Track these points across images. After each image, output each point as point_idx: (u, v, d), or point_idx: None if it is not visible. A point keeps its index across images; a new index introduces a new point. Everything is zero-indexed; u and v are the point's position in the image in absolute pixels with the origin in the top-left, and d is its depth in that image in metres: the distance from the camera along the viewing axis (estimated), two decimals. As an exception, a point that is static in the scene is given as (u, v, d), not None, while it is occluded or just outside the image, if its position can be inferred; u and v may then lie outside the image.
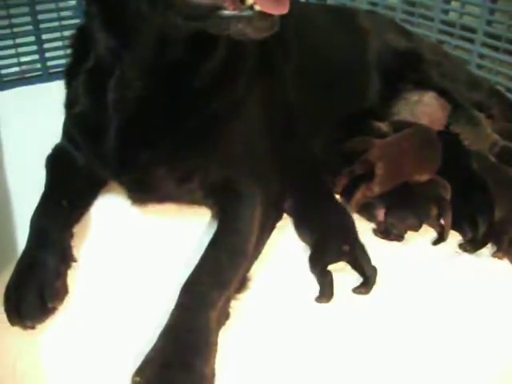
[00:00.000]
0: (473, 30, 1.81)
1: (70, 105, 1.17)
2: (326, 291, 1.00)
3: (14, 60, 2.06)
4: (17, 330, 0.91)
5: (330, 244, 1.07)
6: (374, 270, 1.04)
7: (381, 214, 1.17)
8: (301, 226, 1.18)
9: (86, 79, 1.11)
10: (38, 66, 2.09)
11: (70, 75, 1.18)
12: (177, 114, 1.06)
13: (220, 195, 1.14)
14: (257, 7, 0.82)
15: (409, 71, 1.53)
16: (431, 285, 1.07)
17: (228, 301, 0.95)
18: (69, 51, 1.21)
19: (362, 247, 1.08)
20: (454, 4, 1.92)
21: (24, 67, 2.09)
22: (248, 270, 1.04)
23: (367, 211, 1.22)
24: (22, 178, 1.37)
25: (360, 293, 1.02)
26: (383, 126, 1.41)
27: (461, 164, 1.33)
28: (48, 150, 1.28)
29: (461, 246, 1.16)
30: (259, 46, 1.15)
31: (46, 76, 2.07)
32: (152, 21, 0.95)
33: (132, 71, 1.02)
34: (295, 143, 1.31)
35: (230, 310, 0.95)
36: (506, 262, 1.13)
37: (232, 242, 1.04)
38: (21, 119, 1.75)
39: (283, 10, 0.82)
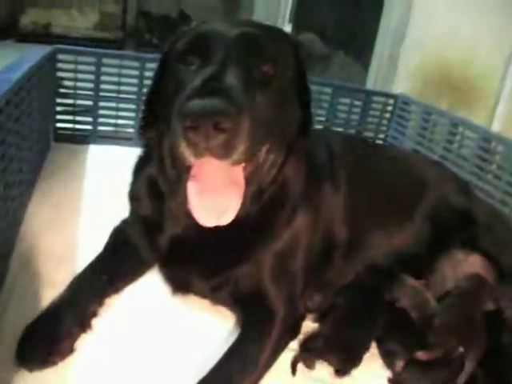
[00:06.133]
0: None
1: (132, 195, 1.37)
2: None
3: (112, 120, 2.31)
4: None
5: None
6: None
7: (399, 364, 1.21)
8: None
9: (148, 184, 1.30)
10: (131, 130, 2.33)
11: (137, 168, 1.38)
12: (217, 238, 1.17)
13: (246, 307, 1.23)
14: None
15: (460, 230, 1.57)
16: None
17: None
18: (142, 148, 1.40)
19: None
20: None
21: (119, 129, 2.33)
22: (256, 382, 1.11)
23: (389, 357, 1.26)
24: (92, 227, 1.54)
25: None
26: (417, 284, 1.42)
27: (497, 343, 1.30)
28: (121, 211, 1.41)
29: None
30: (307, 184, 1.29)
31: (137, 141, 2.28)
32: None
33: (177, 211, 1.19)
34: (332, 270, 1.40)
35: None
36: None
37: (247, 353, 1.12)
38: (106, 172, 1.97)
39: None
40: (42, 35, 4.96)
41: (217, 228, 1.14)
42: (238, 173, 1.03)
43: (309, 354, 1.19)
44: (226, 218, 1.01)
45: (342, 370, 1.17)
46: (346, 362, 1.18)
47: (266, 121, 1.00)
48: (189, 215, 1.12)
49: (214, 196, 1.01)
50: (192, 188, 1.02)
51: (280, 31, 1.21)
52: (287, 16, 4.72)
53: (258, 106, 0.99)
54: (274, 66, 1.06)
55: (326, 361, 1.19)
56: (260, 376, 1.12)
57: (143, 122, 1.24)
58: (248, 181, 1.06)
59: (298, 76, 1.17)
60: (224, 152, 0.91)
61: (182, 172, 1.09)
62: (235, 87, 0.95)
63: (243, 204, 1.07)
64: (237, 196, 1.02)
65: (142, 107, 1.25)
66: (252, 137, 0.94)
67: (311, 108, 1.23)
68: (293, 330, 1.25)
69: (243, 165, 1.03)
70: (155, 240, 1.27)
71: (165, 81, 1.15)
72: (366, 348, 1.24)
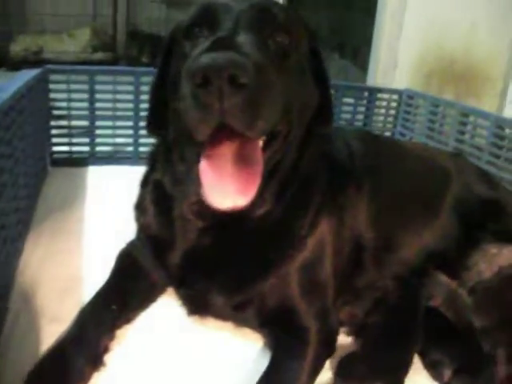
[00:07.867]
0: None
1: (138, 207, 1.24)
2: None
3: (110, 140, 2.22)
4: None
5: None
6: None
7: (448, 374, 1.11)
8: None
9: (154, 191, 1.17)
10: (131, 149, 2.24)
11: (143, 181, 1.26)
12: (236, 246, 1.08)
13: (275, 326, 1.12)
14: None
15: (489, 221, 1.46)
16: None
17: None
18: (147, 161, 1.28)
19: None
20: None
21: (118, 148, 2.24)
22: None
23: (434, 368, 1.16)
24: (97, 253, 1.44)
25: None
26: (450, 282, 1.33)
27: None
28: (125, 234, 1.31)
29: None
30: (330, 183, 1.18)
31: (136, 160, 2.20)
32: None
33: (188, 212, 1.06)
34: (363, 276, 1.29)
35: None
36: None
37: (284, 380, 1.02)
38: (107, 194, 1.88)
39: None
40: (33, 62, 4.89)
41: (235, 235, 1.06)
42: (257, 150, 0.90)
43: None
44: (242, 200, 0.86)
45: None
46: None
47: (283, 92, 0.88)
48: (202, 216, 1.03)
49: (230, 174, 0.87)
50: (205, 167, 0.88)
51: (290, 8, 1.12)
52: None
53: (274, 74, 0.86)
54: (289, 36, 0.96)
55: None
56: None
57: (150, 115, 1.13)
58: (267, 167, 0.94)
59: (313, 56, 1.07)
60: (242, 116, 0.77)
61: (192, 162, 0.95)
62: (250, 45, 0.84)
63: (264, 201, 0.99)
64: (255, 175, 0.88)
65: (149, 97, 1.14)
66: (272, 101, 0.83)
67: (330, 92, 1.13)
68: (328, 347, 1.13)
69: (261, 145, 0.92)
70: (166, 258, 1.14)
71: (171, 64, 1.04)
72: (410, 367, 1.12)
